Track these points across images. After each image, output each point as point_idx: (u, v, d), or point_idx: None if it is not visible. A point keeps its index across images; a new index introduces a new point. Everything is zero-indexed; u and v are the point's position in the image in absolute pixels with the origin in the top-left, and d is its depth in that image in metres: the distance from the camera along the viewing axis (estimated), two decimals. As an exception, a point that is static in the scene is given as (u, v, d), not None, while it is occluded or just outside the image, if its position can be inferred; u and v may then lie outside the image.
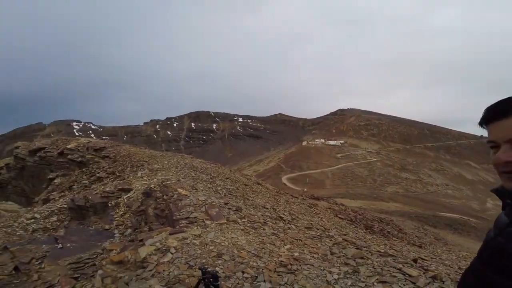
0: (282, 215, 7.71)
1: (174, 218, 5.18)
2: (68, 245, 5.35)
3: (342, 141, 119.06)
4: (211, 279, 2.04)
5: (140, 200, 7.15)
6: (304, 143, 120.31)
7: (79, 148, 15.70)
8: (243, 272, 3.45)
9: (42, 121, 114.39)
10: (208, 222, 4.98)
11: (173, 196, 6.45)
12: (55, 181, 14.70)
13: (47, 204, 9.30)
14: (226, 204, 6.50)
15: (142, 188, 7.77)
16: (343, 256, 4.26)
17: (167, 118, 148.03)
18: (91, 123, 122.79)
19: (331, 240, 5.65)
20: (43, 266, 4.79)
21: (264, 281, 3.32)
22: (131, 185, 8.24)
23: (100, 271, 3.50)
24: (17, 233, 6.99)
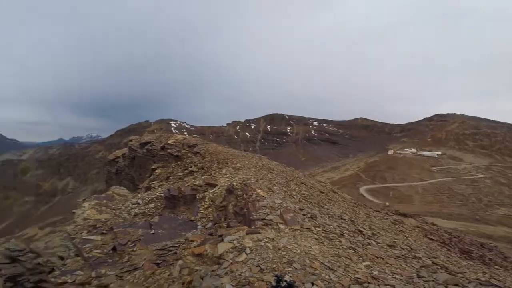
0: (361, 229, 7.27)
1: (251, 217, 5.54)
2: (159, 231, 6.31)
3: (440, 152, 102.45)
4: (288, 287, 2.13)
5: (223, 196, 7.85)
6: (390, 151, 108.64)
7: (177, 143, 18.10)
8: (312, 284, 3.29)
9: (149, 119, 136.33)
10: (282, 226, 5.12)
11: (252, 196, 6.87)
12: (156, 171, 17.36)
13: (148, 192, 11.11)
14: (301, 210, 6.54)
15: (226, 184, 8.48)
16: (433, 281, 3.79)
17: (246, 120, 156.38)
18: (185, 122, 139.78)
19: (418, 262, 5.08)
20: (135, 249, 5.74)
21: (336, 296, 3.11)
22: (217, 181, 9.12)
23: (180, 261, 3.98)
24: (122, 216, 8.52)
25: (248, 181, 8.26)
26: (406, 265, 4.73)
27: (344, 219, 7.96)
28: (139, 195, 11.34)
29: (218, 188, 8.44)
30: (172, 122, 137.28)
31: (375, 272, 3.93)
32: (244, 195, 7.10)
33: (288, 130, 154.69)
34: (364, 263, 4.25)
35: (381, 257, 4.85)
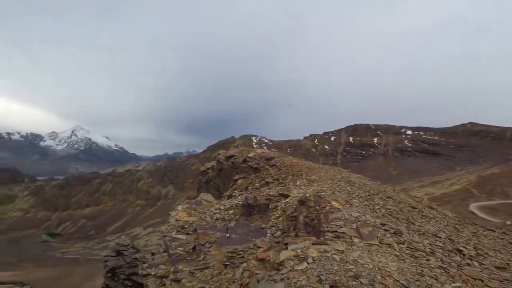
0: (462, 248, 5.92)
1: (321, 229, 5.20)
2: (233, 236, 6.57)
3: None
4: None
5: (295, 206, 7.69)
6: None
7: (256, 157, 18.98)
8: None
9: (234, 135, 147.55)
10: (356, 240, 4.62)
11: (325, 207, 6.49)
12: (238, 181, 18.45)
13: (229, 199, 11.85)
14: (383, 225, 5.79)
15: (298, 196, 8.32)
16: None
17: (324, 133, 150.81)
18: (264, 137, 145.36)
19: None
20: (210, 250, 6.09)
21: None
22: (290, 192, 9.04)
23: (244, 264, 4.04)
24: (206, 219, 9.28)
25: (322, 193, 7.87)
26: None
27: (440, 237, 6.63)
28: (222, 202, 12.21)
29: (291, 199, 8.32)
30: (254, 137, 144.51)
31: None
32: (317, 207, 6.77)
33: (375, 141, 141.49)
34: (453, 284, 3.39)
35: (480, 279, 3.80)
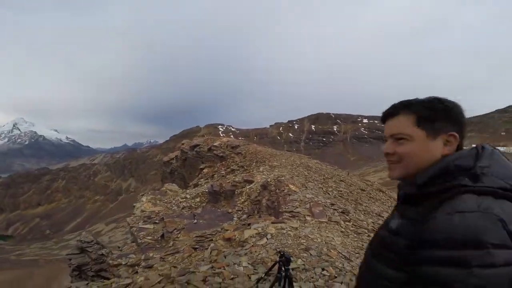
0: None
1: (280, 210, 5.86)
2: (201, 221, 7.01)
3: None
4: (285, 261, 2.44)
5: (258, 191, 8.31)
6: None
7: (221, 145, 19.30)
8: (323, 269, 3.42)
9: (199, 125, 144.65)
10: (308, 218, 5.34)
11: (284, 190, 7.19)
12: (204, 170, 18.68)
13: (195, 188, 12.16)
14: (332, 204, 6.63)
15: (261, 181, 8.95)
16: None
17: (288, 121, 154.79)
18: (231, 126, 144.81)
19: None
20: (179, 236, 6.48)
21: (342, 283, 3.13)
22: (254, 177, 9.65)
23: (212, 245, 4.53)
24: (172, 208, 9.56)
25: (282, 178, 8.59)
26: None
27: (382, 217, 7.74)
28: (188, 191, 12.46)
29: (254, 184, 8.93)
30: (220, 126, 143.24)
31: None
32: (277, 190, 7.45)
33: (335, 129, 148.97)
34: None
35: None
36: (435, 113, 1.00)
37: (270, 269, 2.86)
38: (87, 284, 5.62)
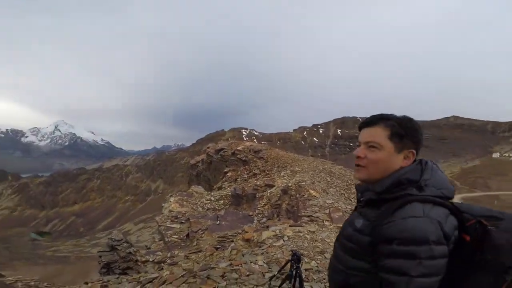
0: None
1: (299, 214, 5.99)
2: (223, 223, 7.31)
3: None
4: (295, 260, 2.61)
5: (279, 195, 8.48)
6: (496, 154, 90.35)
7: (245, 150, 19.68)
8: None
9: (224, 128, 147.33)
10: (327, 223, 5.42)
11: (304, 195, 7.31)
12: (228, 174, 19.14)
13: (219, 191, 12.56)
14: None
15: (282, 185, 9.11)
16: None
17: (313, 125, 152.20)
18: (254, 129, 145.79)
19: None
20: (203, 236, 6.82)
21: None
22: (275, 182, 9.83)
23: (232, 244, 4.77)
24: (198, 209, 9.99)
25: (303, 183, 8.68)
26: None
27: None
28: (212, 193, 12.92)
29: (275, 189, 9.10)
30: (244, 130, 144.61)
31: None
32: (297, 195, 7.57)
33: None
34: None
35: None
36: (405, 131, 1.24)
37: (283, 267, 3.04)
38: (117, 277, 6.12)
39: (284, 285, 2.86)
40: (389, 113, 1.31)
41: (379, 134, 1.24)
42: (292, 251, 2.90)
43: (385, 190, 1.21)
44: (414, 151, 1.25)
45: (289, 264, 2.87)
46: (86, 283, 5.90)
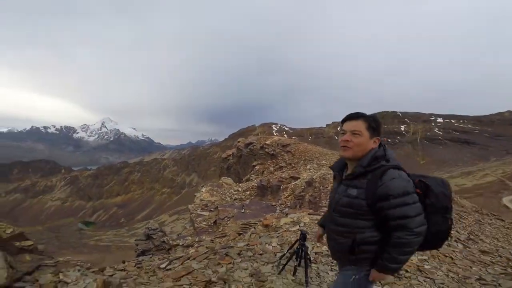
0: (453, 232, 6.49)
1: (320, 204, 6.06)
2: (248, 212, 7.61)
3: None
4: (301, 237, 2.77)
5: (303, 187, 8.58)
6: (558, 153, 79.78)
7: (273, 144, 19.91)
8: None
9: (255, 123, 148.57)
10: (346, 213, 5.41)
11: (327, 187, 7.32)
12: (256, 167, 19.54)
13: (247, 183, 12.95)
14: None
15: (307, 178, 9.19)
16: (493, 285, 3.40)
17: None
18: (284, 125, 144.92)
19: (504, 270, 4.35)
20: (228, 223, 7.16)
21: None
22: (300, 174, 9.92)
23: (252, 229, 5.02)
24: (226, 199, 10.44)
25: (328, 175, 8.66)
26: (479, 268, 4.19)
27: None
28: (240, 184, 13.37)
29: (300, 181, 9.19)
30: (274, 125, 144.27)
31: (426, 266, 3.82)
32: (321, 187, 7.60)
33: (402, 129, 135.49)
34: (420, 257, 4.12)
35: (450, 256, 4.46)
36: (375, 125, 1.79)
37: (292, 246, 3.21)
38: (150, 257, 6.74)
39: (291, 262, 3.05)
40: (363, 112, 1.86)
41: (360, 125, 1.77)
42: (300, 230, 3.07)
43: (367, 164, 1.74)
44: (379, 138, 1.81)
45: (297, 243, 3.05)
46: (123, 262, 6.60)
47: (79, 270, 2.46)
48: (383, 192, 1.62)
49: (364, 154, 1.76)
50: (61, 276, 2.31)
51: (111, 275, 3.28)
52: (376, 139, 1.79)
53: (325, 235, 2.10)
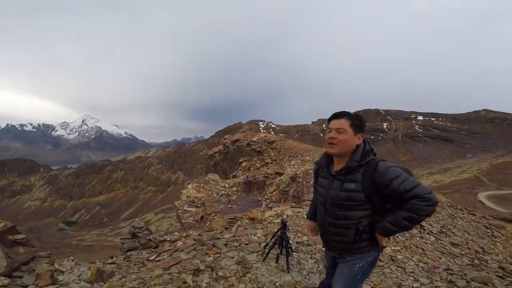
0: (424, 224, 6.96)
1: (302, 198, 6.36)
2: (234, 206, 7.82)
3: None
4: (282, 226, 3.03)
5: (287, 182, 8.87)
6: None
7: (259, 140, 20.14)
8: (323, 246, 3.89)
9: (241, 121, 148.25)
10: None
11: (309, 182, 7.64)
12: (243, 164, 19.73)
13: (233, 179, 13.13)
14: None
15: (291, 173, 9.48)
16: (460, 275, 3.76)
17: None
18: (271, 122, 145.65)
19: (471, 261, 4.75)
20: (215, 218, 7.35)
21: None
22: (284, 170, 10.22)
23: (238, 222, 5.24)
24: (213, 195, 10.60)
25: (311, 171, 8.99)
26: (448, 260, 4.58)
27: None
28: (227, 181, 13.53)
29: (284, 176, 9.49)
30: (261, 122, 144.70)
31: (398, 256, 4.15)
32: (304, 182, 7.92)
33: (385, 126, 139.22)
34: (392, 248, 4.46)
35: (422, 248, 4.84)
36: (359, 123, 1.94)
37: (274, 235, 3.46)
38: (138, 252, 6.82)
39: (274, 251, 3.29)
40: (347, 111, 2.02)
41: (344, 123, 1.91)
42: (281, 219, 3.32)
43: (360, 159, 1.90)
44: (362, 135, 1.96)
45: (279, 232, 3.30)
46: (112, 257, 6.66)
47: (73, 260, 2.59)
48: (383, 180, 1.79)
49: (350, 150, 1.93)
50: (56, 265, 2.44)
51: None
52: (359, 135, 1.93)
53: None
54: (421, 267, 4.04)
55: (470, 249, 6.15)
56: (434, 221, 8.28)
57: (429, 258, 4.52)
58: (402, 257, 4.25)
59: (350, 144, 1.90)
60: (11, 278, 2.24)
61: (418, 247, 5.07)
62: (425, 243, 5.57)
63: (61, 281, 2.31)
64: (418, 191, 1.73)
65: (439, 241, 6.23)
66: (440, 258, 4.67)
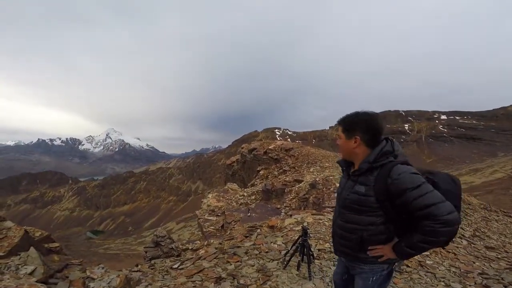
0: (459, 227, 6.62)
1: (323, 205, 6.28)
2: (254, 215, 7.84)
3: None
4: (303, 233, 3.02)
5: (306, 189, 8.79)
6: None
7: (276, 148, 20.13)
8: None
9: (257, 129, 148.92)
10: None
11: (330, 188, 7.53)
12: (260, 172, 19.74)
13: (252, 187, 13.18)
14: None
15: (310, 180, 9.39)
16: (496, 279, 3.56)
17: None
18: (287, 129, 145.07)
19: (509, 265, 4.48)
20: (235, 226, 7.40)
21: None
22: (303, 177, 10.13)
23: (258, 230, 5.25)
24: (232, 204, 10.68)
25: (330, 177, 8.87)
26: (483, 264, 4.34)
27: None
28: (245, 189, 13.60)
29: (303, 183, 9.41)
30: (277, 130, 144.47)
31: (427, 261, 3.99)
32: (324, 189, 7.81)
33: (407, 128, 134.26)
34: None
35: (453, 252, 4.62)
36: (350, 126, 1.84)
37: (295, 242, 3.45)
38: (162, 260, 6.99)
39: (295, 259, 3.28)
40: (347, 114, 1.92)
41: (339, 129, 1.91)
42: (302, 227, 3.31)
43: (374, 160, 1.74)
44: (358, 136, 1.82)
45: (300, 239, 3.29)
46: (137, 265, 6.86)
47: (103, 268, 2.73)
48: (396, 188, 1.61)
49: (353, 154, 1.84)
50: (88, 272, 2.59)
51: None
52: (355, 138, 1.81)
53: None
54: (453, 272, 3.87)
55: (507, 252, 5.80)
56: (466, 224, 7.88)
57: (462, 263, 4.33)
58: (431, 262, 4.09)
59: (347, 148, 1.86)
60: (47, 284, 2.41)
61: (449, 252, 4.86)
62: (457, 247, 5.32)
63: (92, 287, 2.45)
64: (434, 211, 1.51)
65: (473, 245, 5.93)
66: (474, 263, 4.45)
